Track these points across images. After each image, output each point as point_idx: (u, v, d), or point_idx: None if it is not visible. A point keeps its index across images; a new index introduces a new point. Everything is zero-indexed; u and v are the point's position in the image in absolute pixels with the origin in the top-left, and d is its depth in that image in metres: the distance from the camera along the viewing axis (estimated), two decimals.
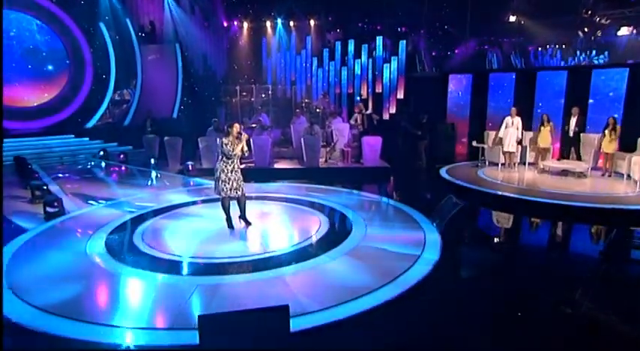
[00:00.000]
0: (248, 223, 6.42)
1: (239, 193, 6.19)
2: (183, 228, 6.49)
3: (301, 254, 5.41)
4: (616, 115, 9.83)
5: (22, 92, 15.00)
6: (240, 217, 6.43)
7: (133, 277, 4.86)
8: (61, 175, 11.15)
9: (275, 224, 6.85)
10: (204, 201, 8.05)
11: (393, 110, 16.13)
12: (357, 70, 16.85)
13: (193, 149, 11.86)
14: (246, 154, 6.66)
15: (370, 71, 16.61)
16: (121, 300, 4.39)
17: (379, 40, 16.47)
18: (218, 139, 6.14)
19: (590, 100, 10.89)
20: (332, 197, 8.25)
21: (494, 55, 19.08)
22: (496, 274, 5.23)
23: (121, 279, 4.83)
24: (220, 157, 6.14)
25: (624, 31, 17.56)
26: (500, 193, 8.37)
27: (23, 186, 9.19)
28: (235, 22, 18.57)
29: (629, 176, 8.93)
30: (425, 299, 4.42)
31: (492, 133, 11.10)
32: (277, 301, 4.13)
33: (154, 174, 11.31)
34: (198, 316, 2.97)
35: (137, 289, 4.68)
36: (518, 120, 10.29)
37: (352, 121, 12.06)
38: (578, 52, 18.90)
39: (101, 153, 13.63)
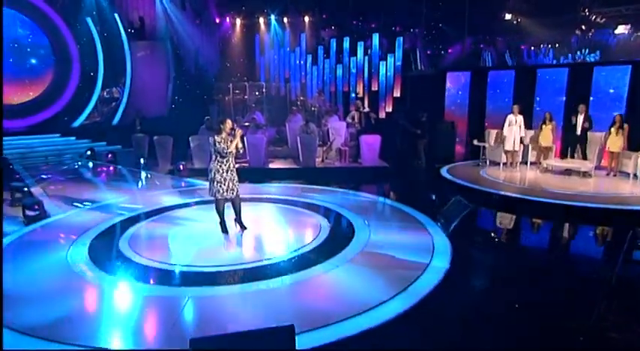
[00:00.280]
0: (243, 227, 6.02)
1: (234, 193, 5.82)
2: (174, 232, 6.09)
3: (302, 262, 5.03)
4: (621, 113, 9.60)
5: (5, 89, 14.39)
6: (235, 220, 6.05)
7: (118, 290, 4.44)
8: (44, 176, 10.66)
9: (272, 228, 6.48)
10: (196, 203, 7.66)
11: (389, 109, 15.82)
12: (353, 68, 16.51)
13: (184, 149, 11.45)
14: (241, 151, 6.28)
15: (366, 69, 16.28)
16: (105, 317, 3.95)
17: (375, 37, 16.15)
18: (210, 138, 5.74)
19: (591, 98, 10.69)
20: (331, 198, 7.89)
21: (489, 53, 18.85)
22: (518, 282, 4.83)
23: (105, 292, 4.40)
24: (214, 156, 5.75)
25: (621, 29, 17.40)
26: (504, 193, 8.08)
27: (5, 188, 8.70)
28: (227, 19, 18.11)
29: (635, 175, 8.69)
30: (440, 312, 4.06)
31: (494, 132, 10.83)
32: (277, 315, 3.77)
33: (143, 174, 10.93)
34: (190, 339, 2.58)
35: (123, 304, 4.23)
36: (520, 118, 10.05)
37: (349, 119, 11.71)
38: (572, 51, 18.72)
39: (88, 153, 13.17)
